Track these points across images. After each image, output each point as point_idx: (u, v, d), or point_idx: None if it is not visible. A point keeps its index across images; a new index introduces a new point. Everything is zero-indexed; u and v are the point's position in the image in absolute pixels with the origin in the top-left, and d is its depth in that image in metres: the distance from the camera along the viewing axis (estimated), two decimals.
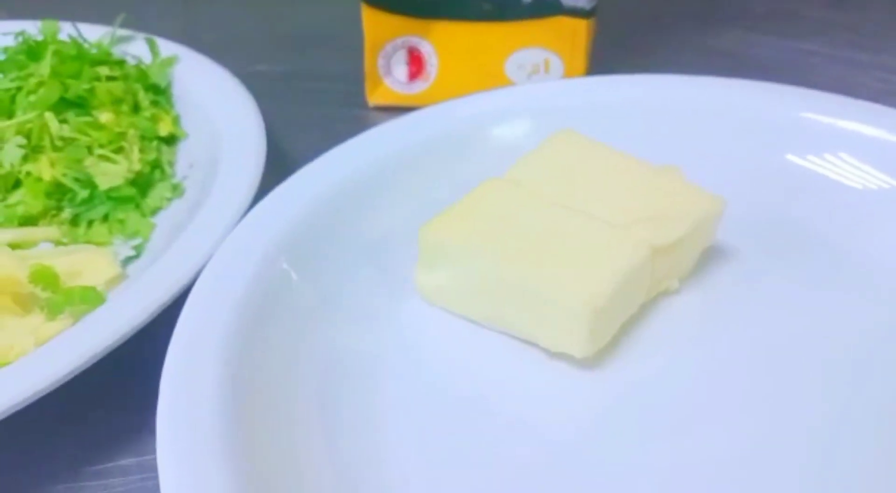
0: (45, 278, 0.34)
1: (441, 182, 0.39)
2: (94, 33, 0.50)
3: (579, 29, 0.47)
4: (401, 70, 0.50)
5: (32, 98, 0.43)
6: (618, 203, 0.35)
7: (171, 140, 0.44)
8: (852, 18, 0.57)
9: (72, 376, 0.28)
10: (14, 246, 0.36)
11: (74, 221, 0.40)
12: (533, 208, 0.34)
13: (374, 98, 0.51)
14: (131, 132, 0.42)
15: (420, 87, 0.50)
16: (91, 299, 0.34)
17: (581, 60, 0.48)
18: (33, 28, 0.50)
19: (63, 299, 0.34)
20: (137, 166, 0.40)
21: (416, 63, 0.50)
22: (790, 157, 0.41)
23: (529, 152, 0.38)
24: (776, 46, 0.55)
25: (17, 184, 0.41)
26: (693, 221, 0.34)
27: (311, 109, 0.52)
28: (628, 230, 0.33)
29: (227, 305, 0.30)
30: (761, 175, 0.40)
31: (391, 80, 0.50)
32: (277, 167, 0.40)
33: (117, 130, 0.42)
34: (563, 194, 0.35)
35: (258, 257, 0.33)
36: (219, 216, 0.35)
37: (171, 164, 0.42)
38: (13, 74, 0.45)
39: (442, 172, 0.39)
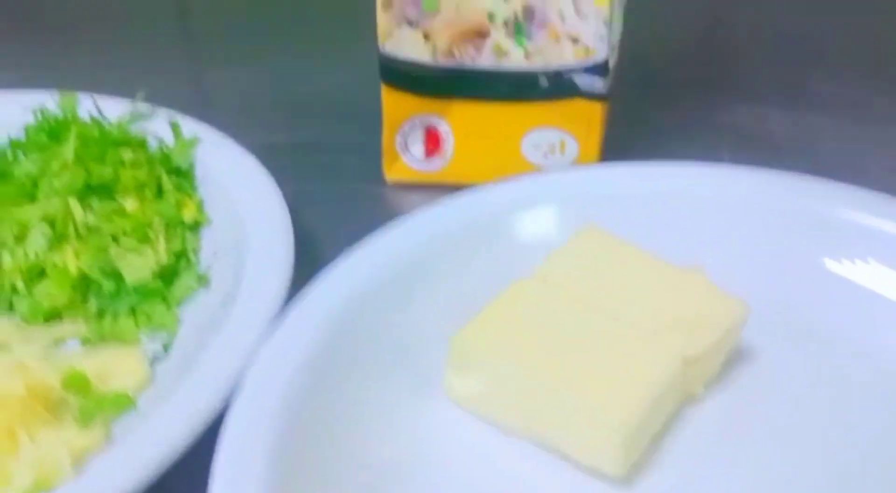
0: (78, 383, 0.34)
1: (468, 278, 0.39)
2: (111, 108, 0.50)
3: (595, 112, 0.48)
4: (418, 148, 0.50)
5: (56, 182, 0.43)
6: (645, 306, 0.35)
7: (194, 226, 0.44)
8: (859, 93, 0.58)
9: None
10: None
11: (99, 314, 0.39)
12: (564, 314, 0.35)
13: (392, 174, 0.51)
14: (157, 220, 0.42)
15: (437, 164, 0.51)
16: (123, 405, 0.34)
17: (595, 142, 0.49)
18: (50, 100, 0.50)
19: (95, 406, 0.34)
20: (164, 259, 0.40)
21: (432, 141, 0.50)
22: (819, 257, 0.40)
23: (556, 250, 0.38)
24: (783, 122, 0.56)
25: (41, 273, 0.40)
26: (723, 329, 0.35)
27: (328, 184, 0.52)
28: (659, 339, 0.34)
29: (265, 423, 0.31)
30: (787, 273, 0.40)
31: (408, 158, 0.51)
32: (297, 247, 0.40)
33: (142, 218, 0.42)
34: (591, 296, 0.36)
35: (292, 369, 0.33)
36: (252, 319, 0.35)
37: (196, 252, 0.42)
38: (34, 156, 0.45)
39: (468, 267, 0.40)
